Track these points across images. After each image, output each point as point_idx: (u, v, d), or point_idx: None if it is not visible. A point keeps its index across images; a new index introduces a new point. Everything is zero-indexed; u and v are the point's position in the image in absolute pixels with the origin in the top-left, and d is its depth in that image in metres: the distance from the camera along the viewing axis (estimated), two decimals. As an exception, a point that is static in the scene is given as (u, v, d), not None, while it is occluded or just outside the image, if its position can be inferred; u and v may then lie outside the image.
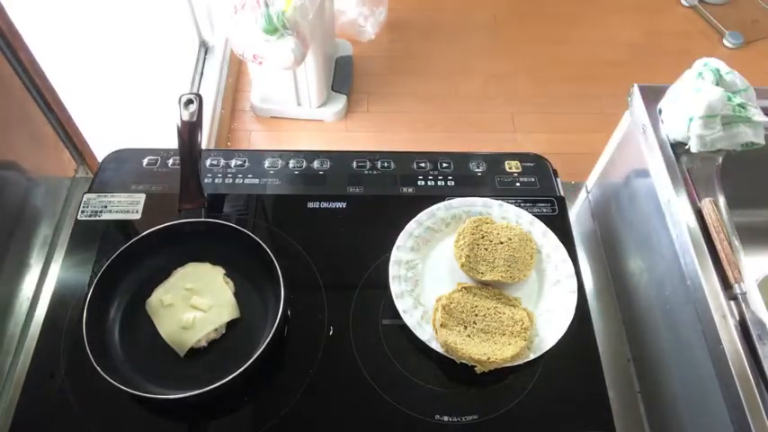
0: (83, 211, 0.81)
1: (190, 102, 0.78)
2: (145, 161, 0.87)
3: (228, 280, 0.73)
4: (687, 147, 0.70)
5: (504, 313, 0.71)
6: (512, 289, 0.75)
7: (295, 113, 2.08)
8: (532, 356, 0.68)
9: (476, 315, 0.71)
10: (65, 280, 0.75)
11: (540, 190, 0.85)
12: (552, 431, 0.67)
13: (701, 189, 0.67)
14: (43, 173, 0.86)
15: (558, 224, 0.80)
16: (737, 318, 0.57)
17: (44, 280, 0.79)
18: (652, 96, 0.75)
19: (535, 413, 0.67)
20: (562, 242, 0.77)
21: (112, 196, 0.82)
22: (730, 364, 0.54)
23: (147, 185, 0.84)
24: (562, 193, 0.85)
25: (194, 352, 0.68)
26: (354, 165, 0.88)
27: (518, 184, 0.86)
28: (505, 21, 2.44)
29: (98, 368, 0.61)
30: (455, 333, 0.69)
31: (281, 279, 0.68)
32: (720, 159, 0.70)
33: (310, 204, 0.83)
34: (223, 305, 0.70)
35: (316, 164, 0.88)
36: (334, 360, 0.70)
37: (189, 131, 0.77)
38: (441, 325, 0.69)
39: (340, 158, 0.89)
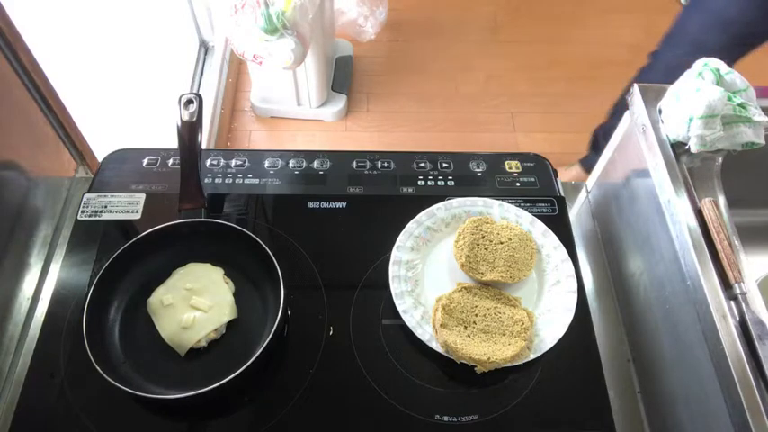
0: (83, 211, 0.81)
1: (190, 102, 0.78)
2: (145, 161, 0.87)
3: (228, 280, 0.73)
4: (687, 147, 0.70)
5: (504, 313, 0.71)
6: (512, 289, 0.75)
7: (295, 113, 2.08)
8: (532, 356, 0.68)
9: (476, 315, 0.71)
10: (65, 280, 0.75)
11: (539, 190, 0.85)
12: (552, 431, 0.67)
13: (700, 189, 0.67)
14: (43, 173, 0.86)
15: (558, 224, 0.80)
16: (737, 318, 0.57)
17: (44, 280, 0.79)
18: (652, 96, 0.75)
19: (535, 413, 0.67)
20: (562, 242, 0.77)
21: (112, 196, 0.82)
22: (730, 364, 0.54)
23: (147, 185, 0.84)
24: (562, 193, 0.85)
25: (194, 352, 0.68)
26: (354, 165, 0.88)
27: (518, 184, 0.86)
28: (505, 21, 2.44)
29: (98, 368, 0.61)
30: (455, 333, 0.68)
31: (281, 279, 0.68)
32: (720, 159, 0.70)
33: (310, 204, 0.83)
34: (223, 305, 0.70)
35: (316, 164, 0.88)
36: (334, 360, 0.70)
37: (189, 131, 0.77)
38: (441, 325, 0.69)
39: (340, 158, 0.89)
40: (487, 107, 2.15)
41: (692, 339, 0.62)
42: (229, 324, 0.70)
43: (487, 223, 0.77)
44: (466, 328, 0.70)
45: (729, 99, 0.68)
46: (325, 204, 0.83)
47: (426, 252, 0.78)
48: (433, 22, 2.43)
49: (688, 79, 0.71)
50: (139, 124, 1.55)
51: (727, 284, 0.59)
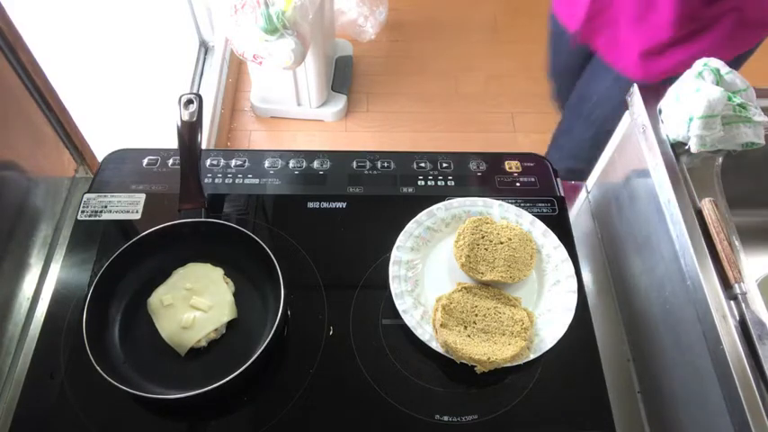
0: (83, 211, 0.81)
1: (190, 102, 0.78)
2: (145, 161, 0.87)
3: (228, 280, 0.73)
4: (687, 147, 0.70)
5: (504, 313, 0.71)
6: (512, 289, 0.75)
7: (295, 113, 2.09)
8: (532, 356, 0.68)
9: (476, 315, 0.71)
10: (65, 280, 0.75)
11: (540, 190, 0.85)
12: (552, 431, 0.67)
13: (700, 189, 0.67)
14: (43, 173, 0.86)
15: (558, 224, 0.80)
16: (737, 318, 0.57)
17: (44, 280, 0.79)
18: (652, 96, 0.75)
19: (535, 413, 0.67)
20: (562, 242, 0.77)
21: (112, 196, 0.82)
22: (730, 364, 0.54)
23: (147, 185, 0.84)
24: (562, 193, 0.85)
25: (194, 352, 0.68)
26: (354, 165, 0.88)
27: (518, 184, 0.86)
28: (505, 21, 2.44)
29: (98, 368, 0.61)
30: (455, 333, 0.68)
31: (281, 279, 0.68)
32: (720, 159, 0.70)
33: (310, 204, 0.83)
34: (223, 305, 0.70)
35: (316, 164, 0.88)
36: (334, 360, 0.70)
37: (189, 131, 0.77)
38: (441, 325, 0.68)
39: (340, 158, 0.89)
40: (487, 107, 2.15)
41: (692, 339, 0.62)
42: (229, 324, 0.70)
43: (487, 223, 0.77)
44: (466, 328, 0.70)
45: (729, 99, 0.68)
46: (325, 204, 0.83)
47: (426, 252, 0.78)
48: (433, 22, 2.42)
49: (688, 79, 0.71)
50: (139, 124, 1.55)
51: (727, 284, 0.59)
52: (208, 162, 0.87)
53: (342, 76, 2.15)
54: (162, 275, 0.72)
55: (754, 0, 0.88)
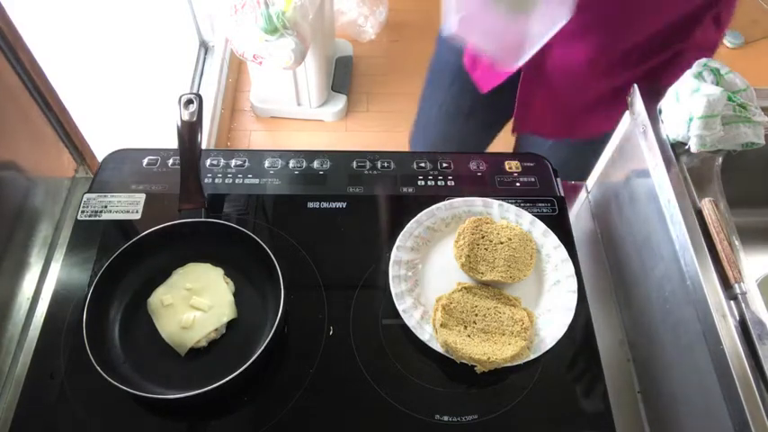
0: (83, 211, 0.81)
1: (190, 102, 0.78)
2: (145, 161, 0.87)
3: (228, 280, 0.73)
4: (687, 147, 0.70)
5: (504, 313, 0.71)
6: (512, 289, 0.75)
7: (295, 113, 2.09)
8: (532, 356, 0.68)
9: (476, 315, 0.71)
10: (65, 280, 0.75)
11: (540, 190, 0.85)
12: (552, 431, 0.67)
13: (700, 189, 0.67)
14: (43, 173, 0.86)
15: (558, 224, 0.80)
16: (737, 318, 0.57)
17: (44, 280, 0.79)
18: (652, 96, 0.75)
19: (535, 413, 0.67)
20: (562, 242, 0.77)
21: (112, 196, 0.82)
22: (730, 364, 0.54)
23: (147, 185, 0.84)
24: (562, 193, 0.85)
25: (194, 352, 0.68)
26: (354, 165, 0.88)
27: (518, 184, 0.86)
28: (505, 21, 2.43)
29: (98, 368, 0.61)
30: (455, 333, 0.69)
31: (281, 279, 0.68)
32: (720, 159, 0.70)
33: (310, 204, 0.83)
34: (223, 305, 0.70)
35: (316, 164, 0.88)
36: (334, 360, 0.70)
37: (189, 131, 0.77)
38: (441, 325, 0.69)
39: (340, 158, 0.89)
40: (487, 107, 2.15)
41: (692, 339, 0.62)
42: (229, 324, 0.70)
43: (487, 223, 0.77)
44: (466, 327, 0.70)
45: (729, 99, 0.68)
46: (325, 204, 0.83)
47: (426, 252, 0.78)
48: (434, 23, 2.41)
49: (688, 79, 0.71)
50: (139, 124, 1.55)
51: (727, 284, 0.59)
52: (208, 162, 0.87)
53: (342, 76, 2.15)
54: (162, 275, 0.72)
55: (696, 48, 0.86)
